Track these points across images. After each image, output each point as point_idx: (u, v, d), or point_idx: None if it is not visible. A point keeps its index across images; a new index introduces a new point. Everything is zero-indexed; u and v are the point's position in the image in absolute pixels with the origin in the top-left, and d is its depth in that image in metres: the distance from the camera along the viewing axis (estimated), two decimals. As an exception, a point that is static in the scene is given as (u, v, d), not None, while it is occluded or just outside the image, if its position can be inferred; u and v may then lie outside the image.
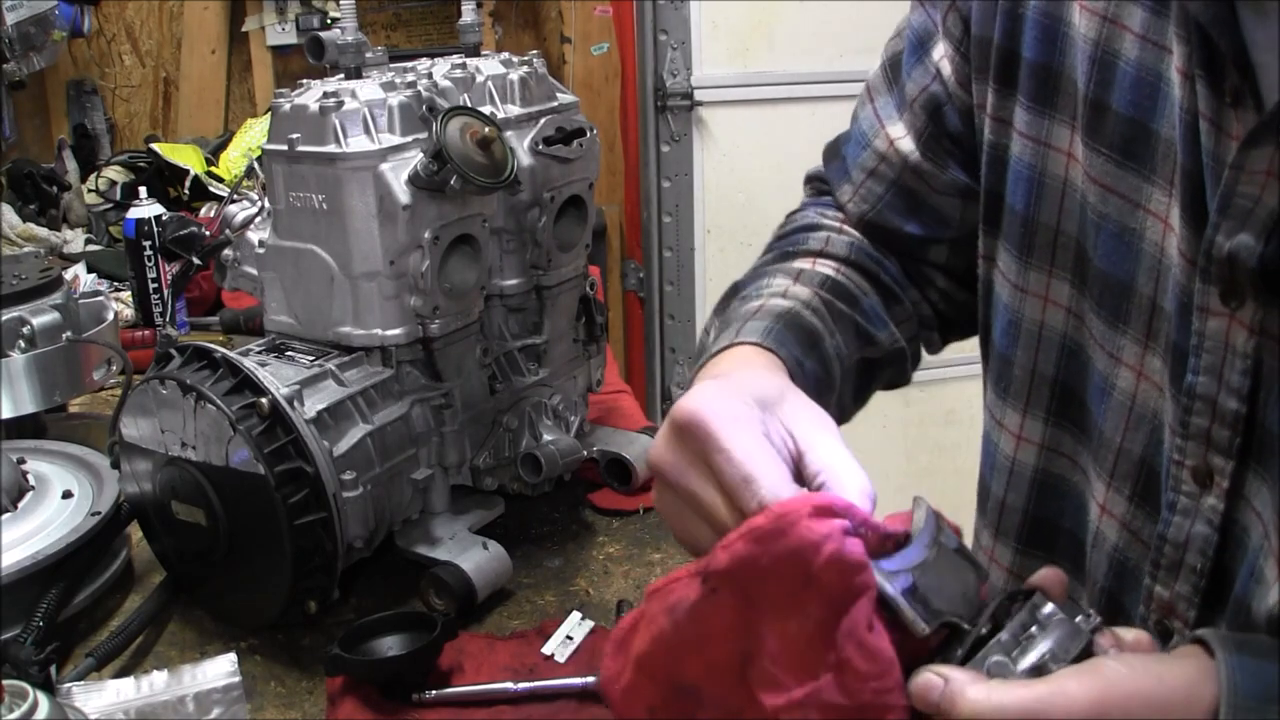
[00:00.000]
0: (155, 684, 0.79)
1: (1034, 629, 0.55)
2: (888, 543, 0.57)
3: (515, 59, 1.11)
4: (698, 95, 2.82)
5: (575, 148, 1.06)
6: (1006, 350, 0.80)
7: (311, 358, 0.95)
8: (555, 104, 1.11)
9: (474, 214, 0.98)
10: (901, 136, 0.85)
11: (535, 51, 1.14)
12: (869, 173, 0.88)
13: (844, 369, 0.81)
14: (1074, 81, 0.71)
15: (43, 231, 2.08)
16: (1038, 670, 0.53)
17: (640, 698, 0.60)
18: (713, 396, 0.61)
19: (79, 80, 2.60)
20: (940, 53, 0.82)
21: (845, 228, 0.90)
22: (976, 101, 0.79)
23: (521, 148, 1.03)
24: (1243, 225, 0.59)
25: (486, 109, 1.02)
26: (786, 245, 0.89)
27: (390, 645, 0.87)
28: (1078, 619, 0.55)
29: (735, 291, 0.86)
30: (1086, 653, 0.54)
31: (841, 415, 0.83)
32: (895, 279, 0.89)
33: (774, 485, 0.56)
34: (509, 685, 0.84)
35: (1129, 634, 0.56)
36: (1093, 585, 0.76)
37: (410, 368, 0.98)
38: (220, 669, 0.80)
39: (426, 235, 0.93)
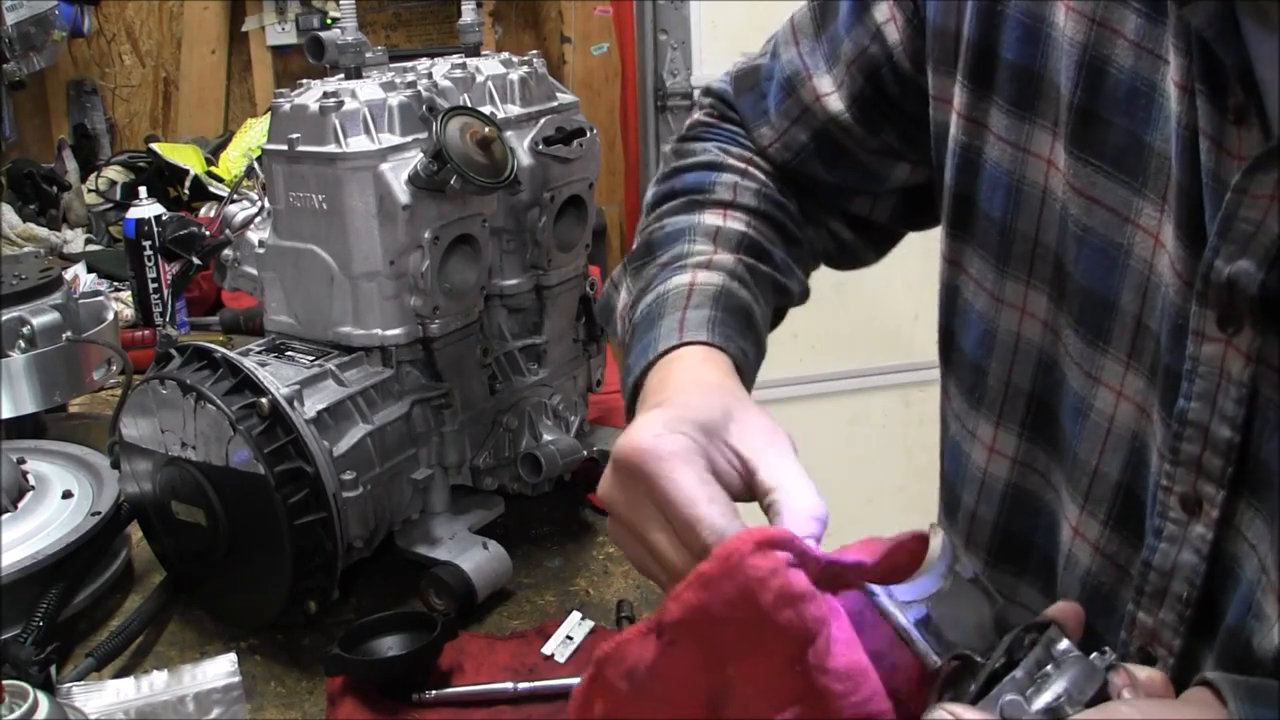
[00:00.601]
0: (155, 684, 0.79)
1: (1049, 667, 0.54)
2: (838, 571, 0.56)
3: (515, 59, 1.11)
4: (697, 95, 2.83)
5: (575, 148, 1.06)
6: (980, 360, 0.77)
7: (311, 358, 0.95)
8: (555, 104, 1.11)
9: (474, 214, 0.98)
10: (830, 93, 0.82)
11: (535, 51, 1.14)
12: (793, 120, 0.85)
13: (766, 329, 0.80)
14: (1056, 86, 0.67)
15: (43, 231, 2.08)
16: (1052, 713, 0.52)
17: None
18: (654, 432, 0.59)
19: (79, 80, 2.60)
20: (884, 15, 0.79)
21: (750, 169, 0.87)
22: (935, 93, 0.76)
23: (521, 148, 1.03)
24: (1244, 251, 0.56)
25: (486, 109, 1.02)
26: (693, 190, 0.86)
27: (390, 645, 0.87)
28: (1093, 656, 0.54)
29: (650, 251, 0.83)
30: (1102, 694, 0.53)
31: (759, 359, 0.81)
32: (796, 222, 0.87)
33: (717, 526, 0.55)
34: (509, 685, 0.84)
35: (1143, 672, 0.55)
36: None
37: (410, 368, 0.98)
38: (220, 669, 0.80)
39: (426, 235, 0.93)
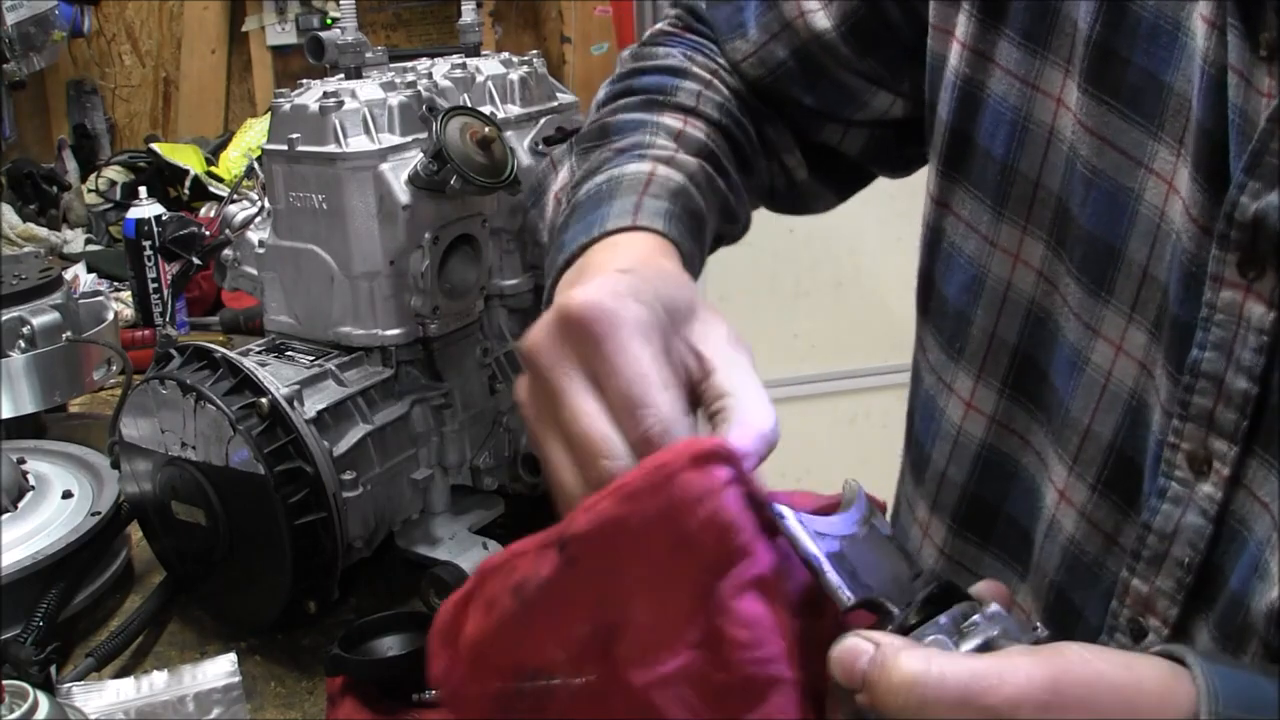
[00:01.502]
0: (155, 684, 0.79)
1: (977, 618, 0.47)
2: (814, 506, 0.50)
3: (515, 59, 1.11)
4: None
5: (575, 148, 1.06)
6: (965, 307, 0.73)
7: (311, 358, 0.95)
8: (555, 104, 1.11)
9: (474, 214, 0.98)
10: (815, 10, 0.78)
11: (535, 51, 1.14)
12: (772, 35, 0.80)
13: (708, 249, 0.75)
14: (1073, 21, 0.64)
15: (43, 231, 2.08)
16: (985, 649, 0.46)
17: (481, 689, 0.51)
18: (615, 292, 0.52)
19: (79, 80, 2.60)
20: None
21: (714, 81, 0.82)
22: (935, 21, 0.73)
23: (521, 148, 1.03)
24: (1273, 185, 0.53)
25: (486, 109, 1.02)
26: (653, 90, 0.80)
27: (390, 645, 0.87)
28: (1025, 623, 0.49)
29: (604, 134, 0.77)
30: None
31: (698, 276, 0.74)
32: (753, 147, 0.82)
33: (664, 415, 0.49)
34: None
35: None
36: (1041, 578, 0.70)
37: (410, 368, 0.98)
38: (220, 669, 0.80)
39: (426, 235, 0.93)
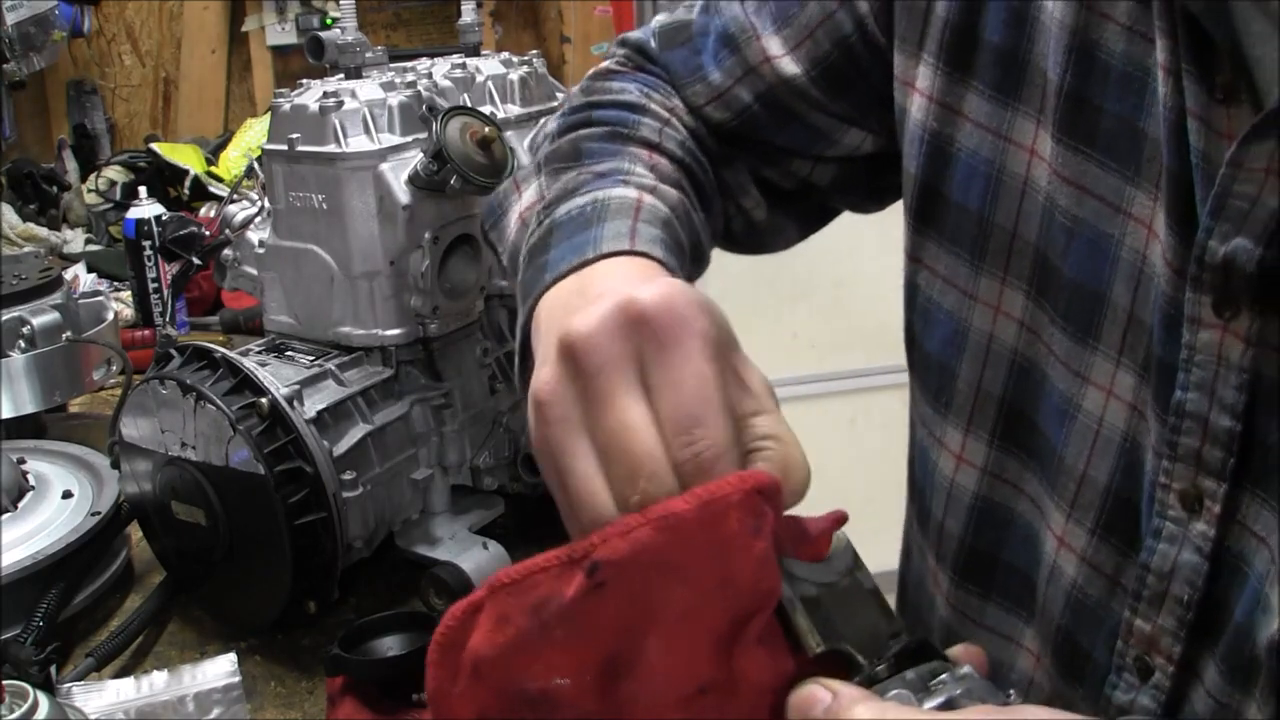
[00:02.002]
0: (155, 684, 0.79)
1: (945, 677, 0.46)
2: (799, 549, 0.48)
3: (515, 59, 1.11)
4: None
5: (575, 148, 1.06)
6: (949, 362, 0.73)
7: (311, 358, 0.95)
8: (555, 104, 1.11)
9: (474, 214, 0.98)
10: (781, 55, 0.76)
11: (535, 51, 1.14)
12: (735, 79, 0.78)
13: None
14: (1043, 71, 0.64)
15: (43, 231, 2.08)
16: (947, 707, 0.44)
17: (477, 707, 0.49)
18: (689, 300, 0.48)
19: (79, 80, 2.60)
20: None
21: (673, 120, 0.79)
22: (898, 73, 0.71)
23: (521, 148, 1.03)
24: (1239, 228, 0.54)
25: (486, 109, 1.02)
26: (614, 121, 0.78)
27: (390, 645, 0.87)
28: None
29: (578, 156, 0.74)
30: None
31: None
32: (711, 189, 0.80)
33: (718, 439, 0.46)
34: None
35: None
36: (1047, 622, 0.70)
37: (410, 368, 0.98)
38: (220, 669, 0.80)
39: (426, 235, 0.93)
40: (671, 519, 0.44)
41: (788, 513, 0.49)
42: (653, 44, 0.83)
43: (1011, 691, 0.47)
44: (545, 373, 0.50)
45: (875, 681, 0.45)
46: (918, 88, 0.71)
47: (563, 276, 0.62)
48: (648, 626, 0.45)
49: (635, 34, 0.85)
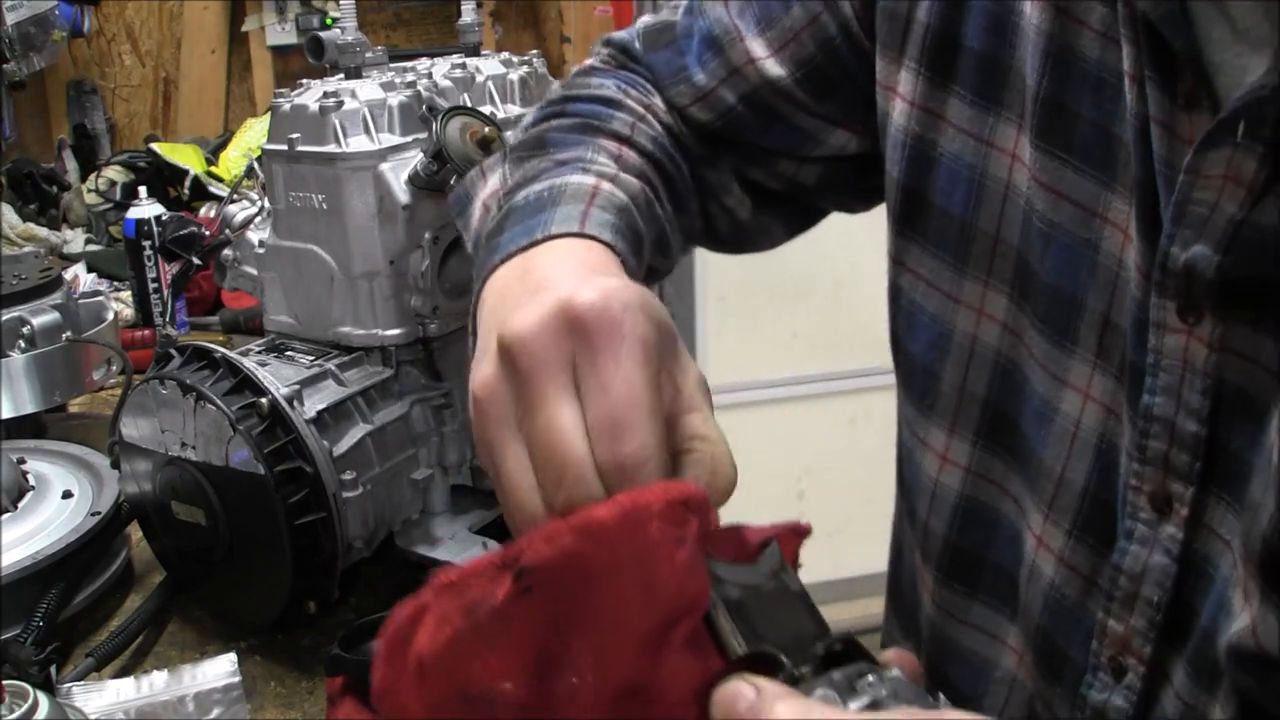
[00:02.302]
0: (155, 684, 0.79)
1: (872, 679, 0.45)
2: (726, 553, 0.48)
3: (515, 59, 1.11)
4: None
5: (575, 148, 1.06)
6: (933, 364, 0.73)
7: (311, 358, 0.95)
8: (555, 104, 1.11)
9: (474, 214, 0.98)
10: (765, 57, 0.76)
11: (535, 51, 1.14)
12: (720, 81, 0.78)
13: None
14: (1023, 77, 0.65)
15: (43, 231, 2.08)
16: (872, 708, 0.43)
17: (421, 705, 0.49)
18: (627, 302, 0.48)
19: (79, 80, 2.60)
20: None
21: (649, 116, 0.80)
22: (880, 78, 0.72)
23: (521, 148, 1.03)
24: (1199, 235, 0.55)
25: (486, 109, 1.02)
26: (587, 114, 0.78)
27: (390, 645, 0.87)
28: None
29: (543, 146, 0.74)
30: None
31: None
32: (685, 187, 0.80)
33: (646, 446, 0.46)
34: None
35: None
36: (1028, 623, 0.70)
37: (410, 368, 0.98)
38: (220, 669, 0.80)
39: (426, 235, 0.93)
40: (593, 526, 0.44)
41: (743, 524, 0.49)
42: (637, 44, 0.84)
43: (941, 695, 0.46)
44: (483, 371, 0.50)
45: (799, 681, 0.45)
46: (899, 92, 0.71)
47: (510, 256, 0.61)
48: (575, 630, 0.45)
49: (620, 34, 0.86)
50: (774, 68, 0.77)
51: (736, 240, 0.87)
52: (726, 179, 0.83)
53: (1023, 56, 0.65)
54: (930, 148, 0.70)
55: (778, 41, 0.77)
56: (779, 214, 0.86)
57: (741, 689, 0.44)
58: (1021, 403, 0.69)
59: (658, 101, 0.81)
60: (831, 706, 0.43)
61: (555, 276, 0.57)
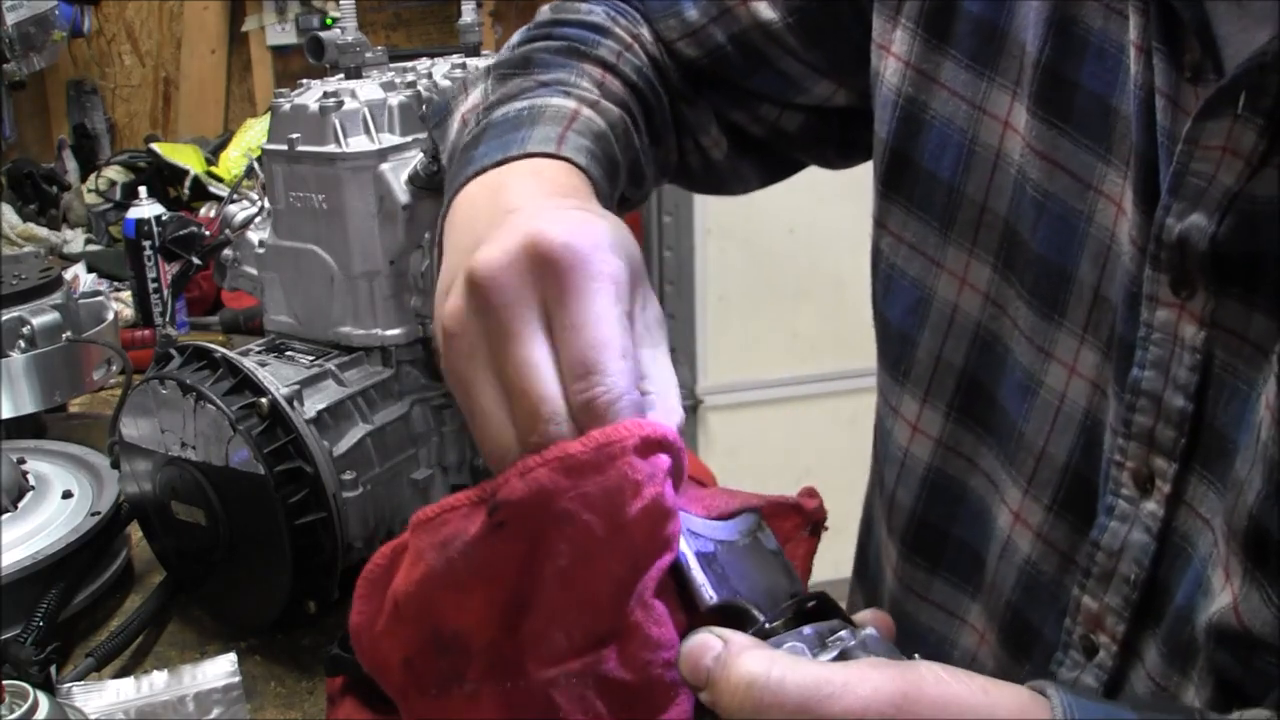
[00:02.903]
0: (155, 684, 0.79)
1: (844, 634, 0.45)
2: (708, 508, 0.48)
3: (515, 59, 1.11)
4: None
5: (575, 148, 1.06)
6: (911, 330, 0.72)
7: (311, 358, 0.95)
8: (555, 104, 1.11)
9: (474, 214, 0.97)
10: (759, 0, 0.76)
11: (535, 51, 1.14)
12: (711, 19, 0.78)
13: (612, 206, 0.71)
14: (1021, 44, 0.64)
15: (43, 231, 2.08)
16: (840, 659, 0.44)
17: (397, 645, 0.49)
18: (598, 241, 0.48)
19: (79, 80, 2.60)
20: None
21: (635, 46, 0.79)
22: (875, 36, 0.71)
23: (521, 148, 1.03)
24: (1195, 205, 0.54)
25: (486, 109, 1.02)
26: (574, 39, 0.77)
27: (390, 645, 0.87)
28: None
29: (527, 65, 0.74)
30: None
31: None
32: (664, 121, 0.80)
33: (617, 386, 0.46)
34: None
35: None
36: (996, 599, 0.70)
37: (410, 368, 0.98)
38: (220, 669, 0.80)
39: (426, 235, 0.93)
40: (567, 461, 0.44)
41: (735, 490, 0.50)
42: None
43: (916, 655, 0.46)
44: (451, 304, 0.49)
45: (769, 634, 0.45)
46: (894, 52, 0.70)
47: (483, 171, 0.61)
48: (547, 568, 0.45)
49: None
50: (766, 10, 0.76)
51: (708, 181, 0.87)
52: (705, 118, 0.82)
53: (1022, 24, 0.64)
54: (921, 110, 0.69)
55: None
56: (755, 161, 0.85)
57: (709, 640, 0.44)
58: (1001, 375, 0.68)
59: (645, 32, 0.81)
60: (798, 658, 0.43)
61: (525, 201, 0.56)
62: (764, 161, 0.86)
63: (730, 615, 0.46)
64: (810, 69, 0.78)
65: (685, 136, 0.83)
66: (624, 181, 0.71)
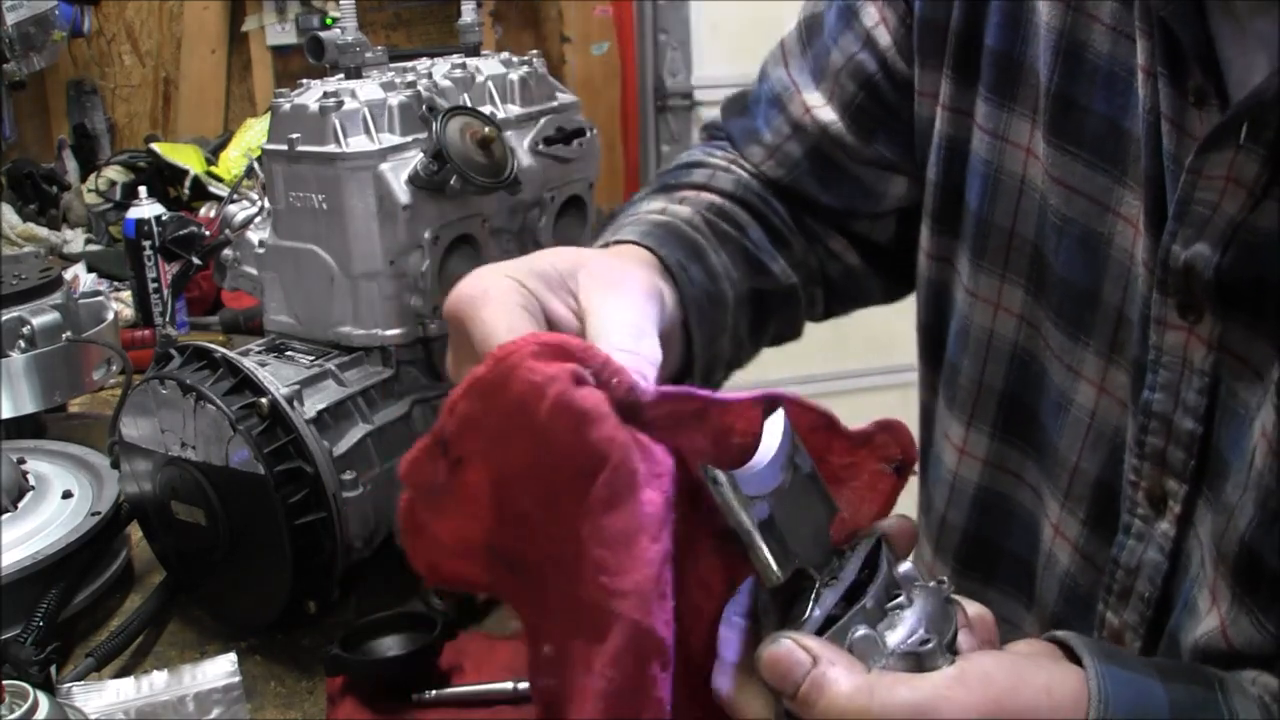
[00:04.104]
0: (155, 684, 0.79)
1: (901, 598, 0.47)
2: (667, 415, 0.46)
3: (515, 59, 1.11)
4: (697, 95, 2.83)
5: (575, 148, 1.06)
6: (955, 358, 0.75)
7: (311, 358, 0.95)
8: (555, 104, 1.11)
9: (474, 214, 0.97)
10: (820, 105, 0.80)
11: (535, 51, 1.14)
12: (784, 137, 0.82)
13: (736, 293, 0.74)
14: (1036, 73, 0.66)
15: (43, 231, 2.08)
16: (913, 656, 0.46)
17: (468, 560, 0.51)
18: (478, 278, 0.55)
19: (79, 80, 2.60)
20: (873, 18, 0.76)
21: (733, 167, 0.84)
22: (921, 88, 0.74)
23: (521, 148, 1.03)
24: (1200, 234, 0.55)
25: (486, 109, 1.02)
26: (667, 179, 0.83)
27: (390, 645, 0.87)
28: (933, 584, 0.49)
29: (613, 216, 0.81)
30: (954, 634, 0.48)
31: (738, 351, 0.76)
32: (785, 223, 0.83)
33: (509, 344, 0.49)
34: (509, 685, 0.84)
35: (972, 608, 0.51)
36: (1043, 610, 0.71)
37: (410, 368, 0.98)
38: (220, 669, 0.80)
39: (426, 235, 0.93)
40: (476, 383, 0.46)
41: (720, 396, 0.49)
42: (720, 117, 0.89)
43: (944, 579, 0.49)
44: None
45: (833, 620, 0.46)
46: (939, 99, 0.73)
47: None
48: (518, 490, 0.47)
49: (711, 117, 0.93)
50: (827, 113, 0.80)
51: (846, 289, 0.89)
52: (826, 225, 0.85)
53: (1035, 53, 0.65)
54: (962, 146, 0.72)
55: (828, 88, 0.80)
56: (873, 267, 0.87)
57: (796, 656, 0.44)
58: (1040, 392, 0.70)
59: (742, 160, 0.86)
60: (886, 677, 0.44)
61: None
62: (883, 265, 0.88)
63: (789, 579, 0.47)
64: (876, 168, 0.81)
65: (814, 243, 0.86)
66: (733, 259, 0.75)
